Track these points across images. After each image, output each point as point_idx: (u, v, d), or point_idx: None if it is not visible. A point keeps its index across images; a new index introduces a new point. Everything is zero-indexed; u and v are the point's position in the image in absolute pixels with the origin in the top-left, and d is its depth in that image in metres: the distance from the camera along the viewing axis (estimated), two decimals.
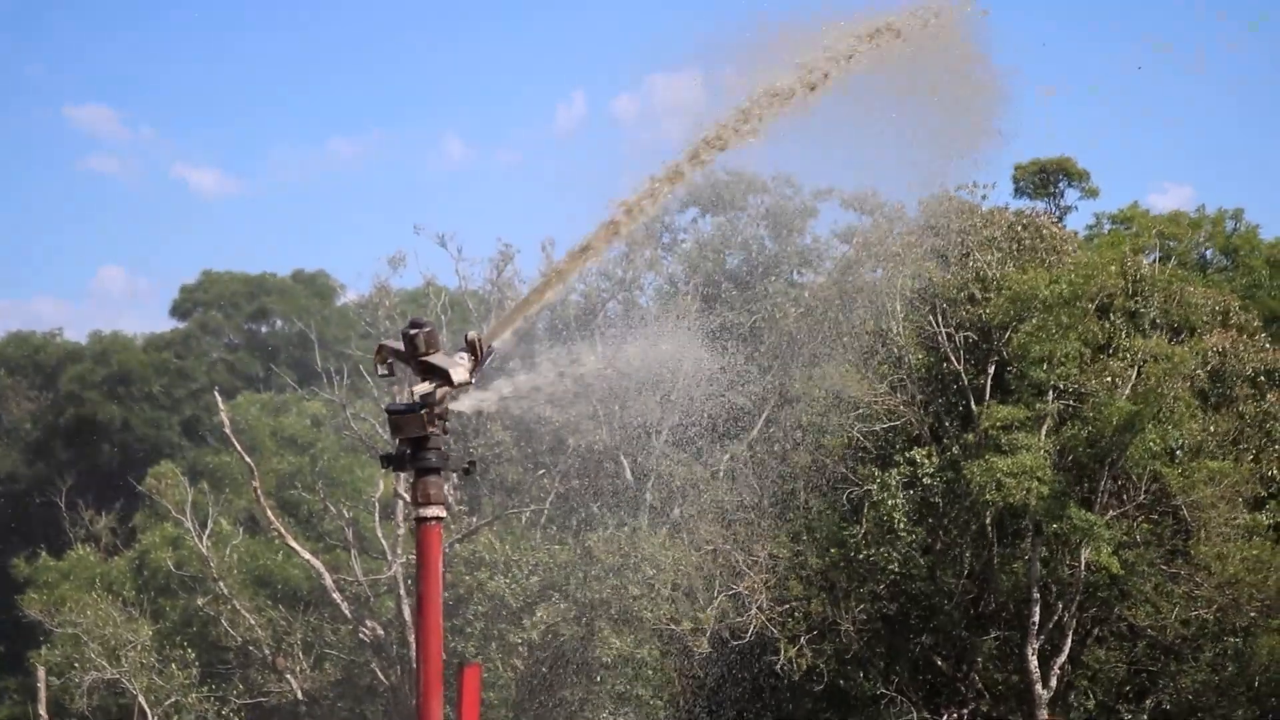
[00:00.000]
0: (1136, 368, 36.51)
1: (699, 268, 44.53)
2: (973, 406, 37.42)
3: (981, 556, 38.25)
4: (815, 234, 46.65)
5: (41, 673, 45.07)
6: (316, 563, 44.32)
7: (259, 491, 45.03)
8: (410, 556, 37.13)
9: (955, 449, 37.18)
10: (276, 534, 44.90)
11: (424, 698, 10.30)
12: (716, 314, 41.91)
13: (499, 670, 38.92)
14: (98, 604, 45.68)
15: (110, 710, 48.63)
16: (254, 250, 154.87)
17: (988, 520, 37.09)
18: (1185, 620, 37.31)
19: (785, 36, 10.79)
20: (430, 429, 10.29)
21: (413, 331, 10.39)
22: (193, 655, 45.27)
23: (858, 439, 37.66)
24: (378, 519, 45.30)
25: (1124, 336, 37.60)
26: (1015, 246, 38.66)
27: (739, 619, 37.45)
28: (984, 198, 40.60)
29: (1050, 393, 36.62)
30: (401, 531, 42.83)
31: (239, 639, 46.50)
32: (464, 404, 10.71)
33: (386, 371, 10.76)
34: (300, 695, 45.93)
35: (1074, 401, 36.77)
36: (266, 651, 46.19)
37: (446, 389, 10.29)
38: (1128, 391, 36.20)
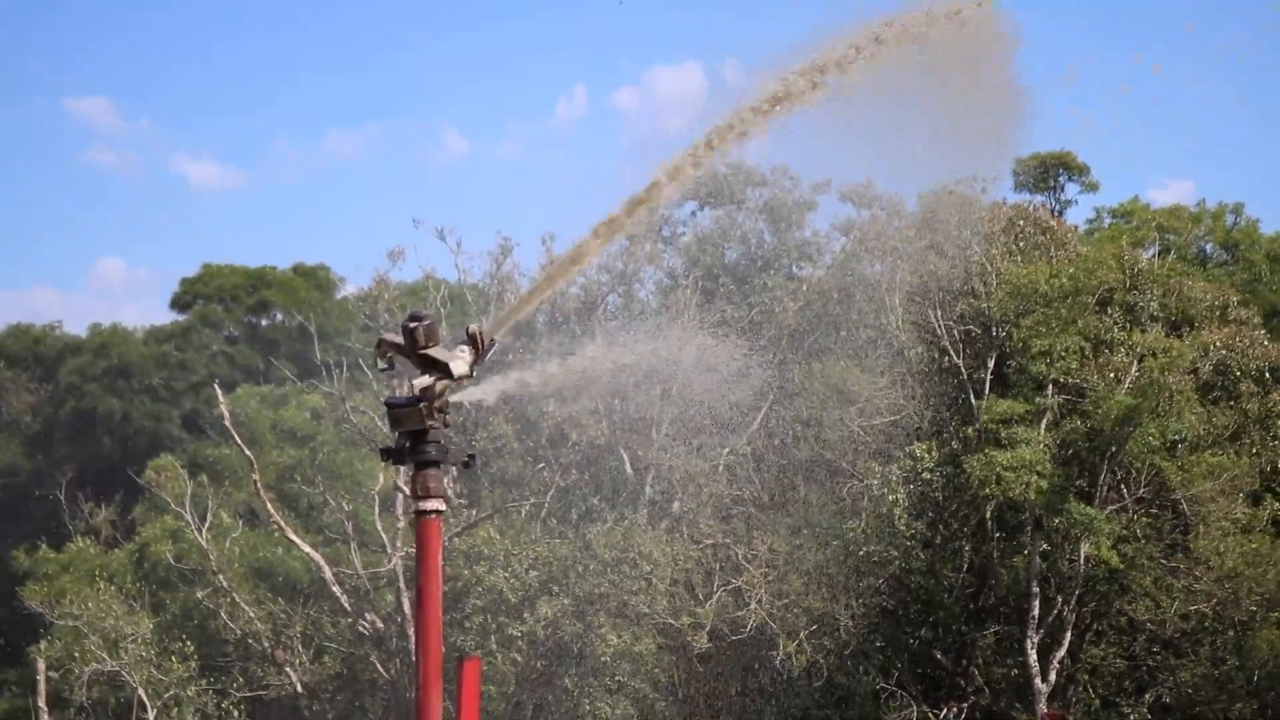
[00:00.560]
0: (1136, 362, 36.50)
1: (698, 261, 44.42)
2: (973, 401, 37.40)
3: (981, 551, 38.25)
4: (815, 228, 46.52)
5: (41, 665, 44.96)
6: (316, 556, 44.22)
7: (259, 484, 44.92)
8: (410, 550, 37.06)
9: (955, 443, 37.18)
10: (276, 527, 44.79)
11: (424, 691, 10.30)
12: (716, 308, 41.80)
13: (498, 664, 38.85)
14: (98, 596, 45.60)
15: (109, 703, 48.59)
16: (254, 243, 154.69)
17: (988, 514, 37.10)
18: (1185, 614, 37.31)
19: (799, 34, 10.72)
20: (430, 422, 10.28)
21: (412, 325, 10.36)
22: (192, 648, 45.16)
23: (857, 433, 37.64)
24: (377, 512, 45.21)
25: (1121, 330, 37.60)
26: (1016, 240, 38.65)
27: (738, 613, 37.43)
28: (984, 191, 40.61)
29: (1050, 387, 36.61)
30: (401, 525, 42.75)
31: (238, 632, 46.40)
32: (472, 394, 10.68)
33: (387, 366, 10.74)
34: (300, 688, 45.84)
35: (1074, 396, 36.76)
36: (266, 644, 46.09)
37: (446, 382, 10.27)
38: (1127, 385, 36.20)
